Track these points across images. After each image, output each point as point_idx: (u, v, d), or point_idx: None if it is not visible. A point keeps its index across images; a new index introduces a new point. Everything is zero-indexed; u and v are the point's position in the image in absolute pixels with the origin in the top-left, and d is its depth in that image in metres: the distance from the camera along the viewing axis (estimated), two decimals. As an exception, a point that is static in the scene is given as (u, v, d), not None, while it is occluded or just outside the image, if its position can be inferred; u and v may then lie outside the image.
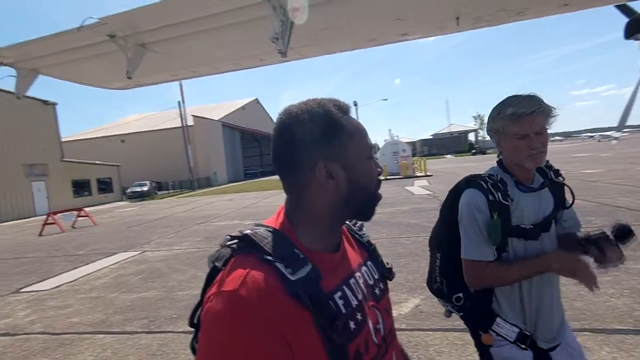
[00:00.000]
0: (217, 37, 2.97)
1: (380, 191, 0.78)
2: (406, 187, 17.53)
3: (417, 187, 17.32)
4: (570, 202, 1.46)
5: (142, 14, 2.51)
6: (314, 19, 2.82)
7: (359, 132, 0.75)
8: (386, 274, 0.91)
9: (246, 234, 0.69)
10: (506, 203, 1.33)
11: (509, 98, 1.34)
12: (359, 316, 0.72)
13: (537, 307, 1.36)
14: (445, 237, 1.52)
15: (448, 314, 1.61)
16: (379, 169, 0.77)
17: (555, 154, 33.79)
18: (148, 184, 34.46)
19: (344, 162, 0.72)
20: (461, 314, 1.52)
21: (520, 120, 1.28)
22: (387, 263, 0.94)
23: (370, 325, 0.75)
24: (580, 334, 3.07)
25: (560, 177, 1.47)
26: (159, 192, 37.34)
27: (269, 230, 0.70)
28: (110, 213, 21.00)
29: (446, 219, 1.52)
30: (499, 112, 1.35)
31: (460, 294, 1.47)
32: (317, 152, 0.71)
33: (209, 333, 0.60)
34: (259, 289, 0.60)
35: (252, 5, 2.43)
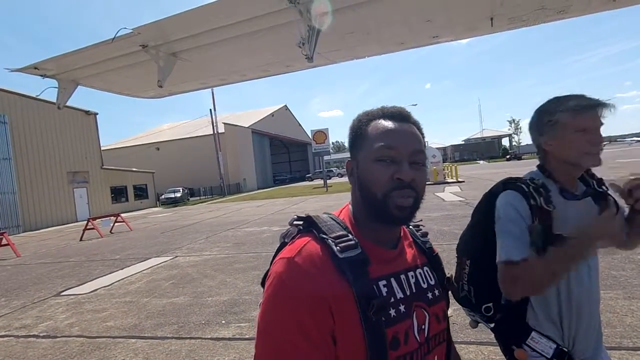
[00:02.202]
0: (245, 45, 2.98)
1: (398, 199, 0.76)
2: (436, 194, 17.10)
3: (448, 194, 16.86)
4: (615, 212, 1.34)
5: (172, 23, 2.56)
6: (341, 23, 2.78)
7: (375, 136, 0.79)
8: (445, 282, 0.93)
9: (309, 216, 0.81)
10: (548, 209, 1.22)
11: (568, 95, 1.25)
12: (402, 308, 0.77)
13: (577, 321, 1.25)
14: (476, 243, 1.41)
15: (474, 324, 1.51)
16: (397, 175, 0.76)
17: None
18: (181, 190, 35.57)
19: (358, 161, 0.82)
20: (492, 325, 1.40)
21: (584, 113, 1.18)
22: (448, 273, 0.96)
23: (415, 322, 0.78)
24: (635, 353, 2.82)
25: (603, 187, 1.34)
26: (191, 198, 38.45)
27: (330, 217, 0.82)
28: (145, 219, 21.77)
29: (479, 223, 1.41)
30: (559, 104, 1.24)
31: (490, 304, 1.36)
32: (350, 152, 0.86)
33: (269, 287, 0.73)
34: (311, 258, 0.72)
35: (279, 11, 2.41)
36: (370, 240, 0.80)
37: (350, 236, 0.77)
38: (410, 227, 0.97)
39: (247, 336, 3.94)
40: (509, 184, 1.33)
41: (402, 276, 0.82)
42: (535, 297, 1.28)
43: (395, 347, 0.73)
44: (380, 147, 0.77)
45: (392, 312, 0.75)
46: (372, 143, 0.79)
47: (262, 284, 0.79)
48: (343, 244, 0.74)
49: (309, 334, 0.68)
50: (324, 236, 0.76)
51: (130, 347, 3.94)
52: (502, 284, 1.25)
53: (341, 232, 0.77)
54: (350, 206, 0.87)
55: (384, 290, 0.76)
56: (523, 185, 1.27)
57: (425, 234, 0.98)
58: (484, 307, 1.37)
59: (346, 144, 0.90)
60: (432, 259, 0.94)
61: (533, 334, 1.27)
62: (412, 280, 0.83)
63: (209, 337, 4.00)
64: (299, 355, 0.67)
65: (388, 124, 0.80)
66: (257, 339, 0.73)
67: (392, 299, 0.76)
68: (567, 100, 1.22)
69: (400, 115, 0.82)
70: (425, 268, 0.90)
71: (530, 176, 1.34)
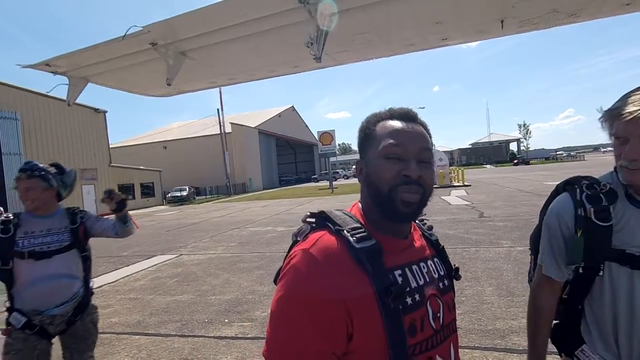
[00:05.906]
0: (254, 44, 2.99)
1: (404, 194, 0.78)
2: (442, 197, 17.01)
3: (455, 197, 16.76)
4: None
5: (182, 21, 2.57)
6: (350, 23, 2.77)
7: (384, 134, 0.82)
8: (452, 273, 0.95)
9: (323, 211, 0.84)
10: (599, 223, 1.05)
11: None
12: (417, 296, 0.79)
13: (632, 347, 1.09)
14: (538, 241, 1.34)
15: None
16: (404, 172, 0.78)
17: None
18: (187, 189, 35.74)
19: (366, 160, 0.86)
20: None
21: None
22: (454, 264, 0.99)
23: (430, 310, 0.81)
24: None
25: None
26: (197, 197, 38.60)
27: (344, 213, 0.84)
28: (151, 217, 21.90)
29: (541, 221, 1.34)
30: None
31: None
32: (360, 153, 0.89)
33: (285, 276, 0.76)
34: (326, 249, 0.75)
35: (288, 11, 2.41)
36: (379, 232, 0.81)
37: (364, 228, 0.79)
38: (417, 221, 0.99)
39: (249, 335, 3.94)
40: (569, 184, 1.18)
41: (415, 266, 0.84)
42: (589, 312, 1.17)
43: (413, 334, 0.76)
44: (389, 145, 0.80)
45: (409, 300, 0.77)
46: (380, 142, 0.81)
47: (275, 281, 0.81)
48: (359, 235, 0.76)
49: (321, 325, 0.70)
50: (340, 228, 0.78)
51: (133, 344, 3.96)
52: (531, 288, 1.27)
53: (356, 224, 0.79)
54: (359, 204, 0.90)
55: (399, 279, 0.78)
56: (577, 190, 1.11)
57: (430, 227, 1.01)
58: None
59: (353, 146, 0.90)
60: (439, 251, 0.97)
61: (584, 346, 1.16)
62: (425, 270, 0.86)
63: (212, 335, 4.01)
64: (309, 342, 0.70)
65: (396, 123, 0.83)
66: (270, 322, 0.75)
67: (408, 288, 0.79)
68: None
69: (407, 116, 0.85)
70: (435, 259, 0.92)
71: (602, 178, 1.14)
